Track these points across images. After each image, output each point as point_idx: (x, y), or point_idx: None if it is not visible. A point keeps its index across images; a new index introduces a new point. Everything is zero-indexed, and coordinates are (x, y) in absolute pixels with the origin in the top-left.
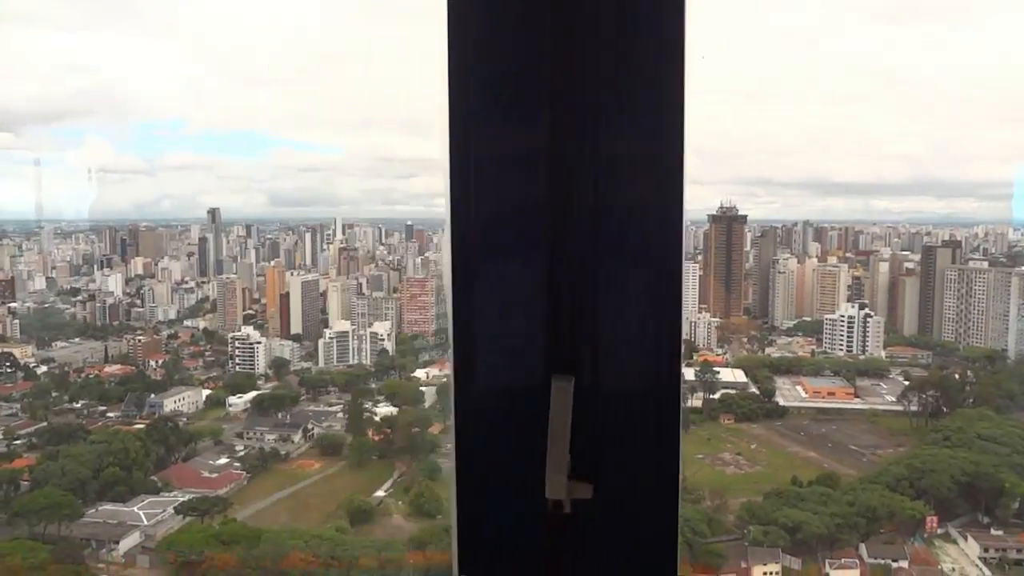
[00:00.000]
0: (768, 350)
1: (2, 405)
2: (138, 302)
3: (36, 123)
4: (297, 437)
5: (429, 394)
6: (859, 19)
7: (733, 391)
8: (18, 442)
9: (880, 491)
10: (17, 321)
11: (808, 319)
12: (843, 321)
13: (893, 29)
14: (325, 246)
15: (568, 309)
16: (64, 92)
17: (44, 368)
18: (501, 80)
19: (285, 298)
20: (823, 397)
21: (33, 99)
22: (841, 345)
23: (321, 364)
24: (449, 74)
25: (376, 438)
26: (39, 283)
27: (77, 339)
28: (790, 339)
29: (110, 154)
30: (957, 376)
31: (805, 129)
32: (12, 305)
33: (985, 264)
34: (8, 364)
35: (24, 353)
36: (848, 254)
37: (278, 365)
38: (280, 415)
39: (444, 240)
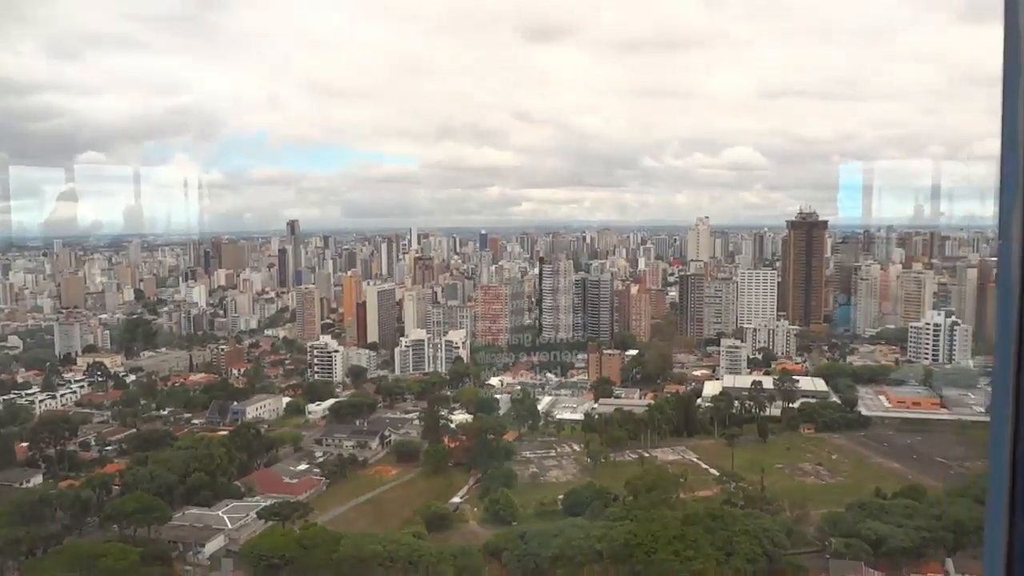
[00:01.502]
0: (850, 358)
1: (94, 412)
2: (221, 312)
3: (125, 141)
4: (374, 443)
5: (503, 402)
6: (946, 18)
7: (813, 400)
8: (109, 448)
9: (968, 504)
10: (108, 332)
11: (892, 327)
12: (928, 329)
13: (979, 27)
14: (401, 255)
15: None
16: (153, 111)
17: (133, 377)
18: None
19: (362, 307)
20: (907, 407)
21: (123, 118)
22: (927, 354)
23: (397, 372)
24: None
25: (452, 445)
26: (128, 295)
27: (163, 349)
28: (873, 347)
29: (196, 170)
30: None
31: (887, 131)
32: (103, 317)
33: None
34: (99, 373)
35: (114, 362)
36: (934, 260)
37: (355, 373)
38: (358, 422)
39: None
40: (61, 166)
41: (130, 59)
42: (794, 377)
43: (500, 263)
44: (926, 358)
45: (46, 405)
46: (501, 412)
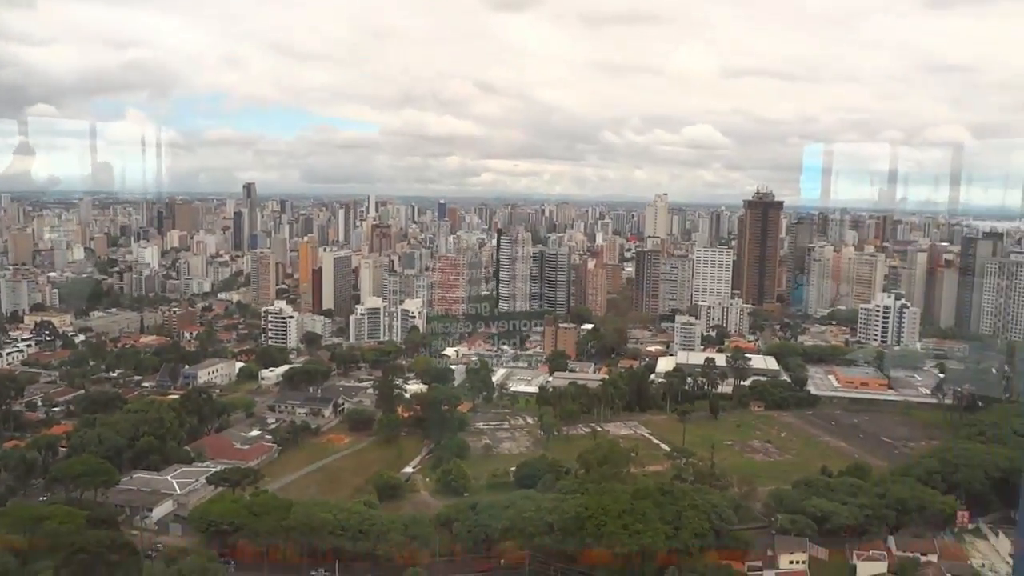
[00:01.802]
0: (801, 338)
1: (41, 372)
2: (173, 274)
3: (78, 95)
4: (327, 411)
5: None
6: (908, 6)
7: (764, 378)
8: (56, 409)
9: (911, 484)
10: (56, 290)
11: (843, 308)
12: (879, 311)
13: (941, 15)
14: (358, 223)
15: None
16: (108, 65)
17: (82, 337)
18: None
19: (318, 273)
20: (856, 387)
21: (76, 71)
22: (876, 335)
23: (352, 340)
24: None
25: (405, 414)
26: (78, 254)
27: (114, 309)
28: (824, 328)
29: (151, 127)
30: (994, 370)
31: (846, 114)
32: (51, 275)
33: None
34: (47, 332)
35: (63, 322)
36: (886, 243)
37: (310, 340)
38: (311, 389)
39: None
40: (9, 118)
41: (83, 9)
42: (746, 355)
43: (458, 233)
44: (875, 339)
45: None
46: (456, 383)
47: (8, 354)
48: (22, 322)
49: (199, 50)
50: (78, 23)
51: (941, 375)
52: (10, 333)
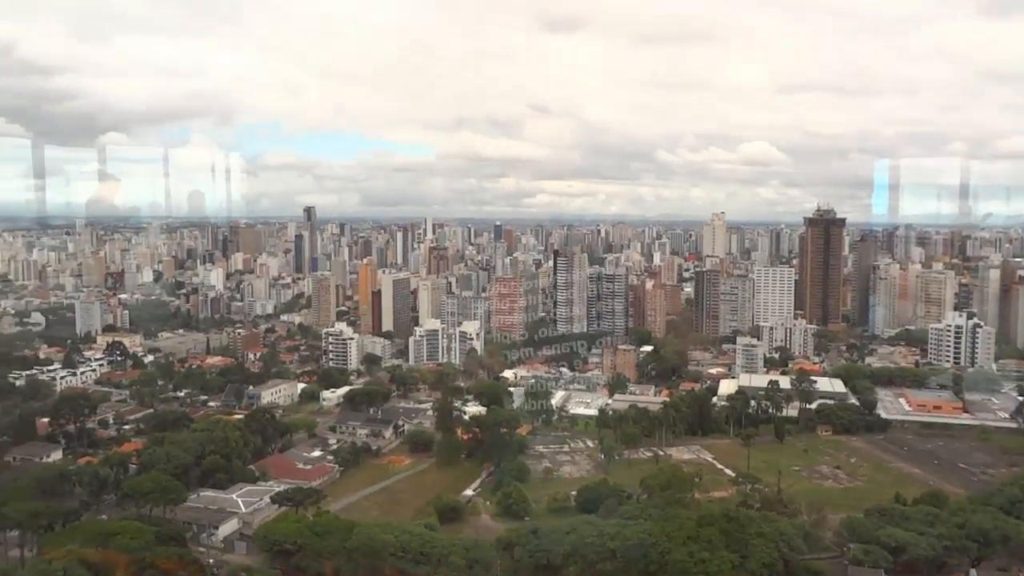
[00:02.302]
0: (869, 359)
1: (113, 391)
2: (238, 296)
3: (146, 124)
4: (388, 432)
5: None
6: (964, 12)
7: (831, 401)
8: (127, 427)
9: (993, 513)
10: (127, 312)
11: (911, 328)
12: (950, 331)
13: (1002, 22)
14: (416, 245)
15: None
16: (172, 95)
17: (151, 357)
18: None
19: (377, 295)
20: (928, 411)
21: (143, 101)
22: (948, 356)
23: (411, 361)
24: None
25: (465, 436)
26: (147, 276)
27: (181, 330)
28: (892, 348)
29: (215, 153)
30: None
31: (909, 127)
32: (122, 297)
33: None
34: (119, 352)
35: (133, 342)
36: (955, 260)
37: (370, 361)
38: (372, 410)
39: None
40: (82, 146)
41: (150, 41)
42: (812, 377)
43: (515, 255)
44: (947, 360)
45: (67, 382)
46: (515, 405)
47: (82, 373)
48: (95, 342)
49: (259, 78)
50: (145, 55)
51: (1021, 398)
52: (84, 353)
